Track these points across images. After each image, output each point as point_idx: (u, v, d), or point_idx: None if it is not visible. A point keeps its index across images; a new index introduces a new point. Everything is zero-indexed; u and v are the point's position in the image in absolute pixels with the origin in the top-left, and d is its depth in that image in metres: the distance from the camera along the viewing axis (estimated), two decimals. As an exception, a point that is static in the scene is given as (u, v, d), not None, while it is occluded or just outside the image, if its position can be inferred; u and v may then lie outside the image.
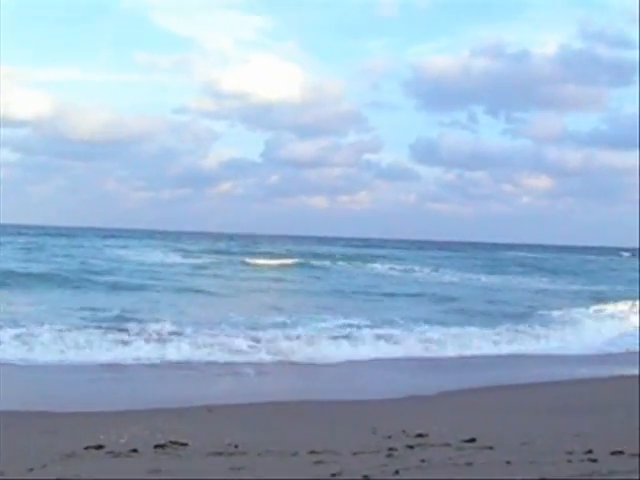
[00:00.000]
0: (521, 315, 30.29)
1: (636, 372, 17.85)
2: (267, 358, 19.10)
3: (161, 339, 20.18)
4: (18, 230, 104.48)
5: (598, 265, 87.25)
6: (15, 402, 13.21)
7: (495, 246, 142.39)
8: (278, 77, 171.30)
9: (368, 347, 20.99)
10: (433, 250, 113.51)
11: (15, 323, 21.33)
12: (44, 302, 28.03)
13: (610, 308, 33.09)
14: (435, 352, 21.17)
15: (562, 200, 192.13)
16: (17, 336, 19.34)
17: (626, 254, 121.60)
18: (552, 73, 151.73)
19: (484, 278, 57.30)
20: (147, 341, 19.85)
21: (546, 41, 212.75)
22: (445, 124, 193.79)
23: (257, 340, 20.71)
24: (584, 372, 18.71)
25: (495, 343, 22.84)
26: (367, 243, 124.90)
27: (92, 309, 26.29)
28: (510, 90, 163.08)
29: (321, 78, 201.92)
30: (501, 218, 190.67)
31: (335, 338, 21.76)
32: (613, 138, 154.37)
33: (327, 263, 65.91)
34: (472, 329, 24.66)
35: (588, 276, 63.70)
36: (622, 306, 33.48)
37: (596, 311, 32.39)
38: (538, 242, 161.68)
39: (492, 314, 30.54)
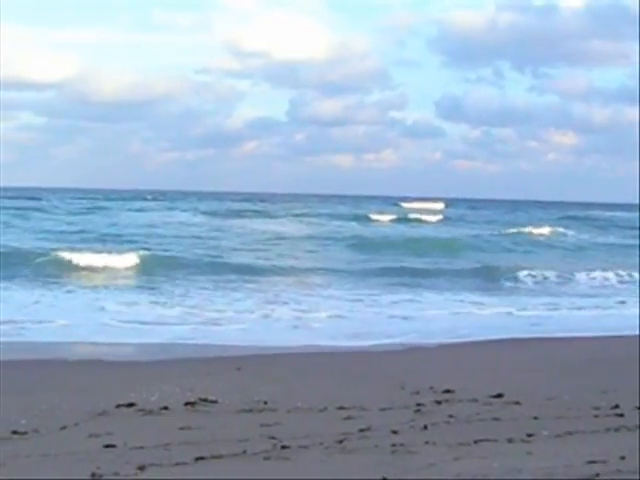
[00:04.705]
0: None
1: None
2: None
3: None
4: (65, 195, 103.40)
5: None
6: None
7: (537, 204, 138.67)
8: (302, 34, 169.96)
9: None
10: (488, 209, 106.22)
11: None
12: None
13: None
14: None
15: (588, 157, 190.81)
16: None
17: None
18: (579, 27, 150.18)
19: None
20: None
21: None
22: (471, 80, 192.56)
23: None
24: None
25: None
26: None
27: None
28: (537, 45, 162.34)
29: (345, 35, 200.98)
30: (527, 175, 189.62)
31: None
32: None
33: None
34: None
35: None
36: None
37: None
38: (566, 199, 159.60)
39: None
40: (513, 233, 53.02)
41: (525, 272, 29.86)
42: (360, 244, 42.26)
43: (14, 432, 8.27)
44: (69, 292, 23.04)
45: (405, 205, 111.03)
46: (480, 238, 47.97)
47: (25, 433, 8.28)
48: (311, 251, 39.66)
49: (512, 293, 25.96)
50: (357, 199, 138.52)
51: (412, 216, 74.92)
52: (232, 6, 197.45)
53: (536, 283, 28.74)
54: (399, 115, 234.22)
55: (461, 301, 23.13)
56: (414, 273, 29.69)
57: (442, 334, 17.17)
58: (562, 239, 51.65)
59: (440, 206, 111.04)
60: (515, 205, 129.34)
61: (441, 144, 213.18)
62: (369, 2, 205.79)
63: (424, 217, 73.52)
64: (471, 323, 18.97)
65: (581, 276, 30.30)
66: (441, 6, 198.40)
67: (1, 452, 7.42)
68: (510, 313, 21.01)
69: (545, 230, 55.84)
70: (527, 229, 55.32)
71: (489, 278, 29.00)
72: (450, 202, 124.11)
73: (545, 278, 29.51)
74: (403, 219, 71.39)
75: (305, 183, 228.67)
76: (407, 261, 34.12)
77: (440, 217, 76.04)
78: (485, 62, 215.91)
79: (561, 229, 57.17)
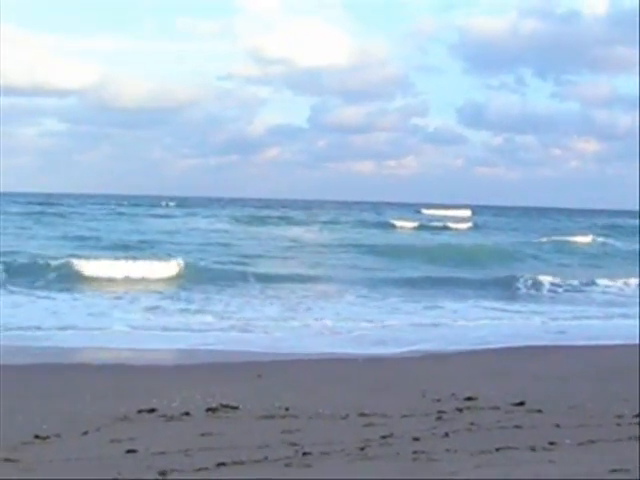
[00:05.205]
0: None
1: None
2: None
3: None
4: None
5: None
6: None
7: (560, 211, 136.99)
8: (323, 41, 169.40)
9: None
10: (511, 216, 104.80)
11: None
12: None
13: None
14: None
15: (611, 164, 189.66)
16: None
17: None
18: (602, 34, 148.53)
19: None
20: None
21: (597, 0, 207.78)
22: (493, 87, 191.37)
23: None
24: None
25: None
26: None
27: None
28: (559, 52, 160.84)
29: (367, 42, 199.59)
30: (550, 182, 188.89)
31: None
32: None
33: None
34: None
35: None
36: None
37: None
38: (589, 207, 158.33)
39: None
40: (553, 241, 51.45)
41: (548, 279, 29.68)
42: (385, 252, 41.74)
43: (36, 436, 8.31)
44: (92, 298, 23.16)
45: (428, 212, 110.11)
46: (514, 246, 46.95)
47: (47, 438, 8.32)
48: (334, 258, 39.55)
49: (535, 301, 25.85)
50: (378, 205, 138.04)
51: (439, 224, 73.69)
52: (254, 13, 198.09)
53: (563, 291, 28.58)
54: (421, 122, 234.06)
55: (484, 308, 23.07)
56: (438, 281, 29.54)
57: (464, 341, 17.13)
58: (604, 248, 50.23)
59: (467, 213, 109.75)
60: (540, 212, 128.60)
61: (463, 151, 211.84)
62: (390, 8, 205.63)
63: (452, 225, 72.23)
64: (493, 330, 18.91)
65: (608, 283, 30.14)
66: (463, 12, 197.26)
67: (23, 456, 7.46)
68: (533, 321, 20.94)
69: (587, 239, 53.72)
70: (566, 237, 53.31)
71: (513, 286, 28.80)
72: (474, 209, 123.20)
73: (571, 285, 29.35)
74: (430, 227, 70.22)
75: (327, 190, 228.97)
76: (432, 269, 34.02)
77: (469, 224, 74.89)
78: (507, 69, 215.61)
79: (601, 238, 54.85)
